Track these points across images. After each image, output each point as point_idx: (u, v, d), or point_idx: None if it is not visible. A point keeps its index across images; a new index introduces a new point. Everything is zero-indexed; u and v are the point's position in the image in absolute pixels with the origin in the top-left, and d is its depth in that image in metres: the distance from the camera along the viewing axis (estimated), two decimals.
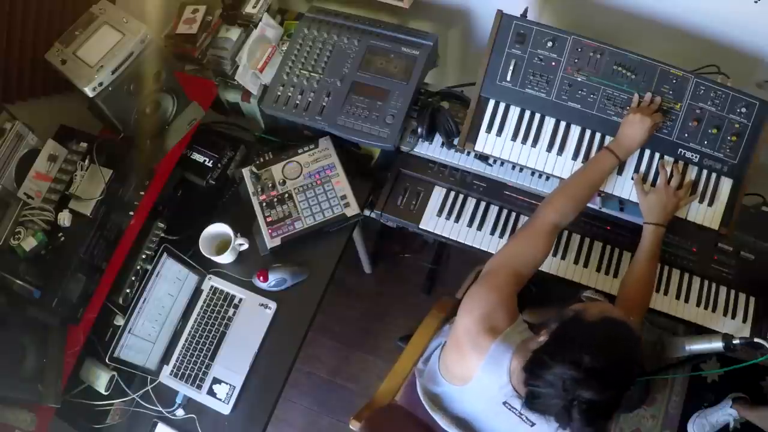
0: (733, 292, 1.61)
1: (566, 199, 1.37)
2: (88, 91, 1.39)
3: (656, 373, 2.21)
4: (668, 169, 1.45)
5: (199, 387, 1.60)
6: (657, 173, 1.46)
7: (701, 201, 1.46)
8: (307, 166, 1.76)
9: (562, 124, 1.51)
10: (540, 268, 1.61)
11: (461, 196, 1.73)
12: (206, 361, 1.63)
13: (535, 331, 1.19)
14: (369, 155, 1.86)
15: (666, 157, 1.48)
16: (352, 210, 1.70)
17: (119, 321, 1.59)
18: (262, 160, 1.78)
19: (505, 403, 1.21)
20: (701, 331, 1.57)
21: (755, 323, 1.58)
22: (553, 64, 1.49)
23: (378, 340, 2.49)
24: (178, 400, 1.60)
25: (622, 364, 1.06)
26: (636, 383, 1.10)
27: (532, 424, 1.21)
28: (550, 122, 1.51)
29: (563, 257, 1.64)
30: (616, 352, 1.06)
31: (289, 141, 1.86)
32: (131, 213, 1.59)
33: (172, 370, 1.63)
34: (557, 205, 1.36)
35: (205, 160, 1.78)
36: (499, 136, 1.52)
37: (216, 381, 1.60)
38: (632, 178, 1.46)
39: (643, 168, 1.47)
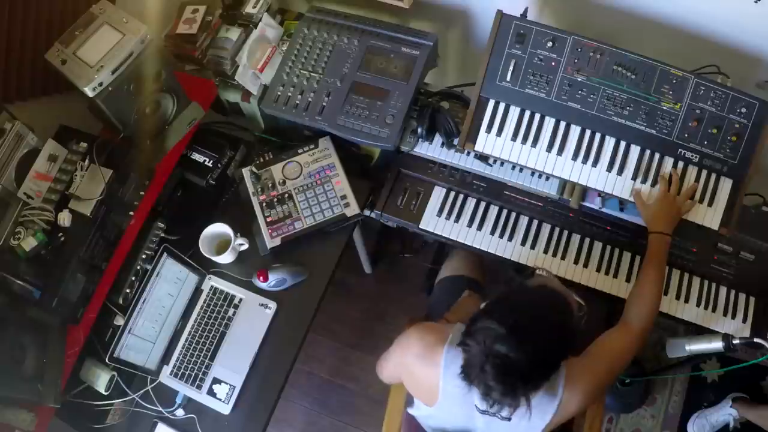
0: (733, 292, 1.61)
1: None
2: (88, 91, 1.39)
3: (656, 373, 2.21)
4: (668, 178, 1.45)
5: (199, 387, 1.60)
6: (657, 173, 1.46)
7: (701, 201, 1.46)
8: (307, 166, 1.76)
9: (562, 124, 1.51)
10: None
11: (461, 196, 1.73)
12: (206, 361, 1.63)
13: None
14: (369, 155, 1.86)
15: (666, 156, 1.47)
16: (352, 210, 1.70)
17: (119, 321, 1.59)
18: (262, 160, 1.78)
19: (476, 406, 1.21)
20: (701, 331, 1.57)
21: (755, 323, 1.58)
22: (553, 64, 1.49)
23: (378, 340, 2.48)
24: (178, 400, 1.60)
25: (543, 327, 1.08)
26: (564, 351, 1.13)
27: (509, 419, 1.20)
28: (550, 122, 1.51)
29: (563, 257, 1.64)
30: (539, 314, 1.10)
31: (289, 141, 1.86)
32: (131, 213, 1.59)
33: (172, 370, 1.63)
34: None
35: (205, 160, 1.78)
36: (499, 136, 1.52)
37: (216, 381, 1.60)
38: (631, 195, 1.46)
39: (642, 169, 1.47)
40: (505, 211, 1.71)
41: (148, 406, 1.59)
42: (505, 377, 1.05)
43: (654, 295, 1.40)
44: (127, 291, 1.60)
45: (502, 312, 1.09)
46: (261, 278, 1.65)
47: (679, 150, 1.47)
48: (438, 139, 1.69)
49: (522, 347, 1.04)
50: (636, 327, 1.35)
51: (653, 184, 1.46)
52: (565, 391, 1.20)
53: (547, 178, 1.63)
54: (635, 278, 1.60)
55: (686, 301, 1.60)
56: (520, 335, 1.04)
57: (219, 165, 1.78)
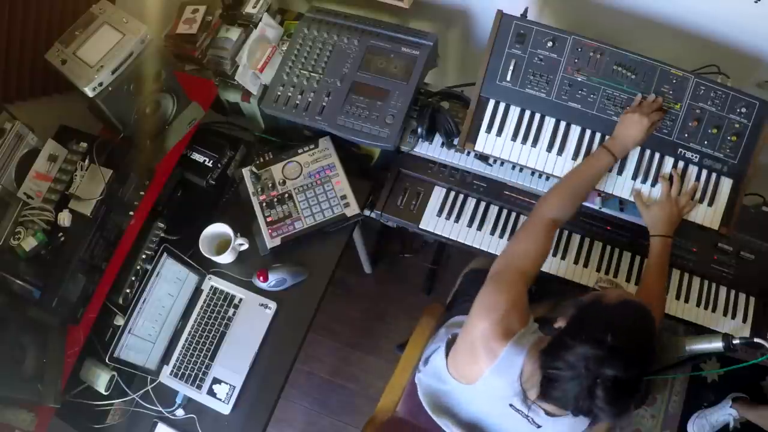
0: (733, 292, 1.61)
1: (562, 197, 1.38)
2: (88, 91, 1.39)
3: (656, 373, 2.21)
4: (668, 178, 1.45)
5: (199, 387, 1.60)
6: (657, 172, 1.46)
7: (701, 201, 1.46)
8: (307, 166, 1.76)
9: (562, 124, 1.51)
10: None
11: (461, 196, 1.73)
12: (206, 361, 1.63)
13: (550, 320, 1.20)
14: (369, 155, 1.86)
15: (666, 156, 1.47)
16: (352, 210, 1.70)
17: (119, 321, 1.59)
18: (262, 160, 1.78)
19: (511, 405, 1.21)
20: (701, 331, 1.57)
21: (755, 323, 1.58)
22: (553, 64, 1.49)
23: (378, 340, 2.49)
24: (178, 400, 1.60)
25: (644, 343, 1.08)
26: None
27: (538, 426, 1.21)
28: (550, 122, 1.51)
29: (563, 257, 1.64)
30: (637, 331, 1.09)
31: (289, 141, 1.86)
32: (131, 213, 1.59)
33: (172, 370, 1.63)
34: (554, 202, 1.37)
35: (205, 160, 1.78)
36: (499, 136, 1.52)
37: (216, 381, 1.60)
38: (631, 195, 1.46)
39: (642, 169, 1.47)
40: (505, 211, 1.71)
41: (148, 406, 1.59)
42: (618, 399, 1.05)
43: (660, 299, 1.40)
44: (127, 291, 1.60)
45: (594, 332, 1.06)
46: (261, 278, 1.65)
47: (679, 150, 1.47)
48: (438, 139, 1.69)
49: (630, 365, 1.03)
50: None
51: (653, 184, 1.46)
52: None
53: (547, 178, 1.63)
54: (637, 280, 1.61)
55: (686, 301, 1.60)
56: (624, 354, 1.03)
57: (219, 165, 1.78)
